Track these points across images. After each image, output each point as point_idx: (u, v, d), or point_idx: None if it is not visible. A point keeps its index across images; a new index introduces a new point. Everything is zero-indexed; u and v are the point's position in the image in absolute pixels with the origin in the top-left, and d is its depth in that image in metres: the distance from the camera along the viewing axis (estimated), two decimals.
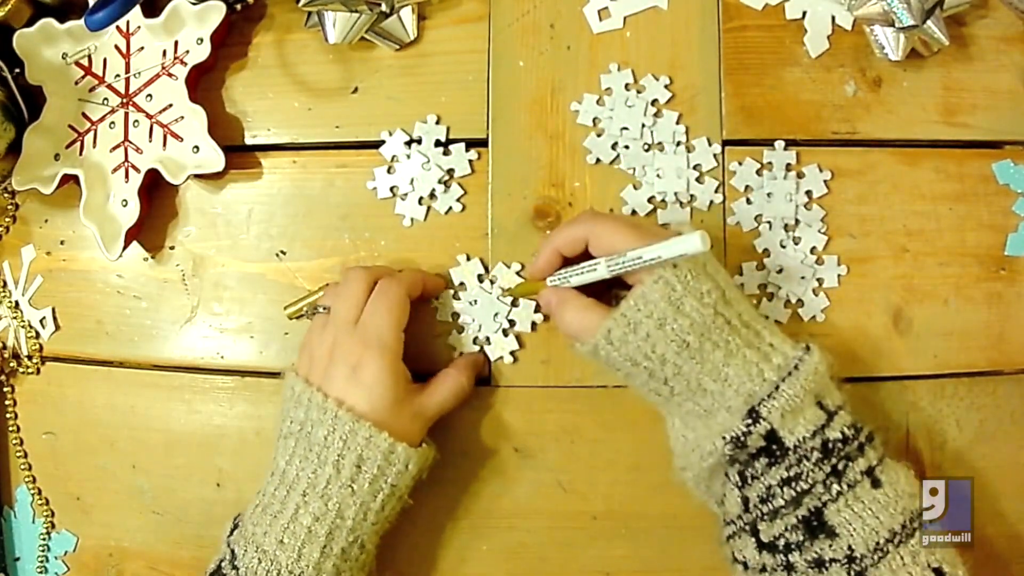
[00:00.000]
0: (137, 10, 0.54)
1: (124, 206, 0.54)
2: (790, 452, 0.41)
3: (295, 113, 0.56)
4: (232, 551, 0.45)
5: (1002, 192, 0.53)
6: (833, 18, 0.54)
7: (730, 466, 0.43)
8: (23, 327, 0.57)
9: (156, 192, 0.56)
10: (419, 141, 0.54)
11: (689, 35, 0.54)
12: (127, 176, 0.54)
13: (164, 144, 0.54)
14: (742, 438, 0.41)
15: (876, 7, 0.50)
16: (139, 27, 0.55)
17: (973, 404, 0.52)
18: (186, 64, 0.54)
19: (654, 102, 0.53)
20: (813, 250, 0.52)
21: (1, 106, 0.54)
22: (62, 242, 0.58)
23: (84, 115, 0.55)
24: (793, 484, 0.41)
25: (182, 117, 0.54)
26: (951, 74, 0.54)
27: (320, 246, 0.55)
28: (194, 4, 0.53)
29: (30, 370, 0.57)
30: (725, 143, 0.53)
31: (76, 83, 0.56)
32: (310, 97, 0.56)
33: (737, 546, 0.44)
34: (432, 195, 0.54)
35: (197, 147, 0.53)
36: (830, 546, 0.40)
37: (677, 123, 0.53)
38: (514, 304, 0.52)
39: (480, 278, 0.53)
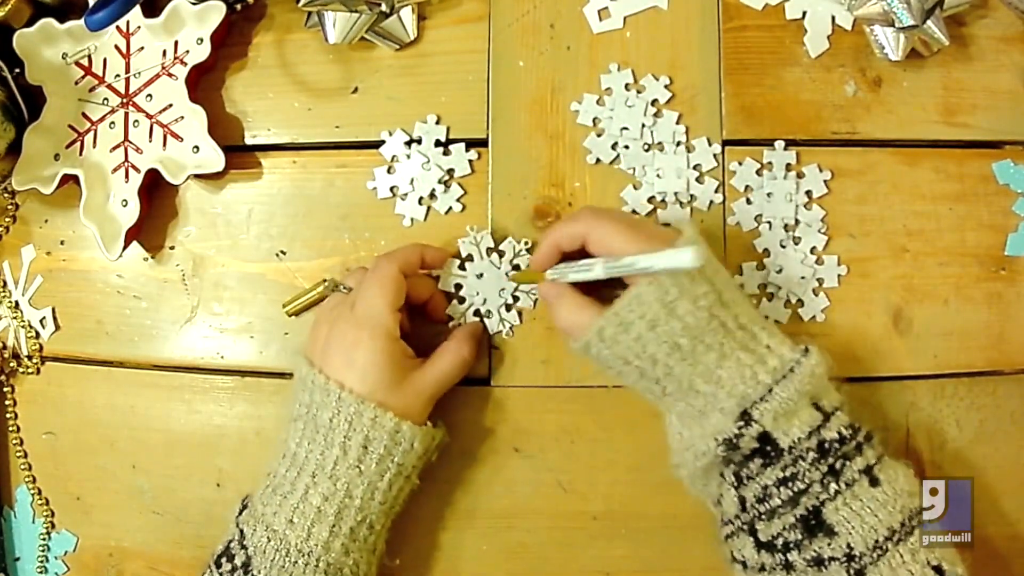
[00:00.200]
0: (137, 10, 0.54)
1: (124, 206, 0.54)
2: (785, 453, 0.41)
3: (295, 113, 0.56)
4: (241, 531, 0.45)
5: (1002, 192, 0.53)
6: (833, 18, 0.54)
7: (725, 466, 0.43)
8: (23, 327, 0.57)
9: (156, 192, 0.56)
10: (419, 141, 0.54)
11: (689, 35, 0.54)
12: (127, 176, 0.54)
13: (164, 144, 0.54)
14: (734, 440, 0.41)
15: (876, 7, 0.50)
16: (139, 27, 0.55)
17: (973, 404, 0.52)
18: (186, 64, 0.54)
19: (654, 102, 0.53)
20: (813, 250, 0.52)
21: (1, 106, 0.54)
22: (62, 242, 0.58)
23: (84, 115, 0.55)
24: (789, 484, 0.41)
25: (182, 117, 0.54)
26: (951, 74, 0.54)
27: (320, 246, 0.55)
28: (194, 4, 0.53)
29: (30, 370, 0.57)
30: (725, 143, 0.53)
31: (76, 83, 0.56)
32: (310, 97, 0.56)
33: (735, 545, 0.44)
34: (432, 195, 0.54)
35: (197, 147, 0.53)
36: (829, 545, 0.40)
37: (677, 123, 0.53)
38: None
39: (488, 251, 0.53)
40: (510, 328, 0.52)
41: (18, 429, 0.58)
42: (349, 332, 0.46)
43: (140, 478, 0.56)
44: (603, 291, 0.47)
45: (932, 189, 0.53)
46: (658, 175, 0.53)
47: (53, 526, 0.57)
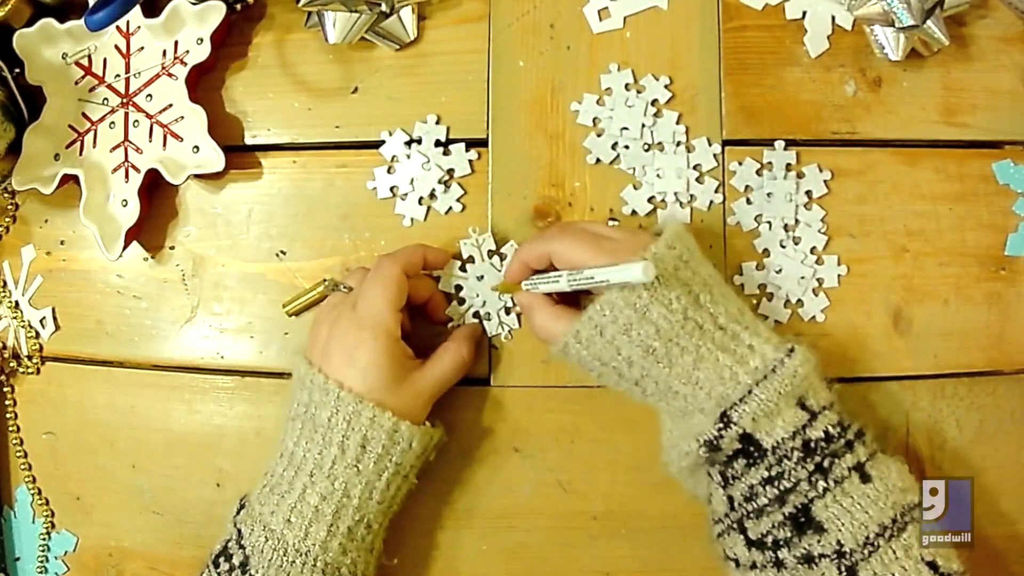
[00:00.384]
0: (137, 10, 0.54)
1: (124, 206, 0.54)
2: (768, 453, 0.41)
3: (295, 113, 0.56)
4: (239, 531, 0.45)
5: (1002, 192, 0.53)
6: (833, 18, 0.54)
7: (710, 466, 0.44)
8: (23, 327, 0.57)
9: (156, 192, 0.56)
10: (419, 141, 0.54)
11: (689, 35, 0.54)
12: (127, 176, 0.54)
13: (164, 144, 0.54)
14: (715, 441, 0.41)
15: (876, 7, 0.50)
16: (139, 27, 0.55)
17: (973, 404, 0.52)
18: (186, 64, 0.54)
19: (654, 102, 0.53)
20: (813, 250, 0.52)
21: (1, 106, 0.54)
22: (62, 242, 0.58)
23: (84, 115, 0.55)
24: (775, 483, 0.41)
25: (182, 117, 0.54)
26: (951, 74, 0.54)
27: (320, 246, 0.55)
28: (194, 4, 0.53)
29: (30, 370, 0.57)
30: (725, 143, 0.53)
31: (76, 83, 0.56)
32: (310, 97, 0.56)
33: (727, 543, 0.44)
34: (432, 195, 0.54)
35: (197, 147, 0.53)
36: (818, 541, 0.40)
37: (677, 123, 0.53)
38: None
39: (490, 254, 0.53)
40: (509, 331, 0.52)
41: (18, 429, 0.58)
42: (351, 331, 0.46)
43: (140, 478, 0.56)
44: (583, 300, 0.47)
45: (932, 189, 0.53)
46: (658, 175, 0.53)
47: (53, 526, 0.57)
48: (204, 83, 0.56)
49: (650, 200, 0.53)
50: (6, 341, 0.58)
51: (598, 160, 0.53)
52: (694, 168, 0.53)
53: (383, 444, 0.44)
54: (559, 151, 0.54)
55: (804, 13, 0.54)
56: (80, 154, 0.55)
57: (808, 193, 0.53)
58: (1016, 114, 0.53)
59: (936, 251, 0.53)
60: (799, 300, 0.52)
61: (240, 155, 0.56)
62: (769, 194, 0.52)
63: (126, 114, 0.55)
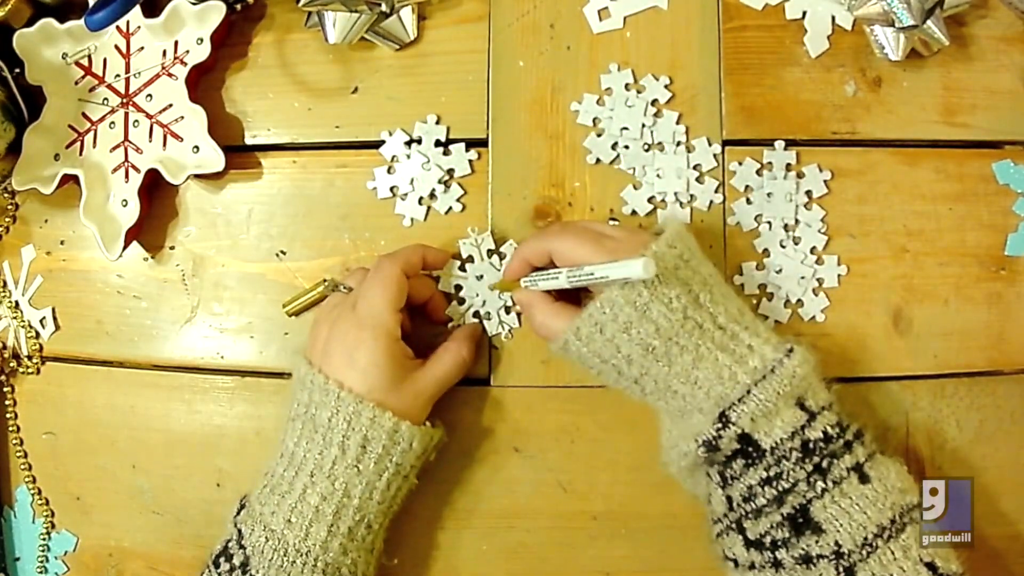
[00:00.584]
0: (137, 10, 0.54)
1: (124, 206, 0.54)
2: (767, 454, 0.41)
3: (295, 113, 0.56)
4: (239, 531, 0.45)
5: (1002, 192, 0.53)
6: (833, 18, 0.54)
7: (709, 466, 0.44)
8: (23, 327, 0.57)
9: (156, 192, 0.56)
10: (419, 141, 0.54)
11: (689, 35, 0.54)
12: (127, 176, 0.54)
13: (164, 144, 0.54)
14: (713, 441, 0.41)
15: (876, 7, 0.50)
16: (139, 27, 0.55)
17: (973, 404, 0.52)
18: (186, 64, 0.54)
19: (654, 102, 0.53)
20: (813, 250, 0.52)
21: (1, 106, 0.54)
22: (62, 242, 0.58)
23: (84, 115, 0.55)
24: (774, 483, 0.41)
25: (182, 117, 0.54)
26: (951, 74, 0.54)
27: (320, 246, 0.55)
28: (194, 4, 0.53)
29: (30, 370, 0.57)
30: (725, 143, 0.53)
31: (76, 83, 0.56)
32: (310, 97, 0.56)
33: (726, 544, 0.44)
34: (432, 195, 0.54)
35: (197, 147, 0.53)
36: (817, 542, 0.40)
37: (677, 123, 0.53)
38: None
39: (489, 253, 0.53)
40: (509, 331, 0.52)
41: (18, 429, 0.58)
42: (351, 332, 0.46)
43: (140, 478, 0.56)
44: (583, 298, 0.47)
45: (932, 189, 0.53)
46: (658, 175, 0.53)
47: (53, 526, 0.57)
48: (204, 83, 0.56)
49: (650, 200, 0.53)
50: (6, 341, 0.58)
51: (598, 160, 0.53)
52: (694, 168, 0.53)
53: (383, 444, 0.44)
54: (559, 151, 0.54)
55: (804, 13, 0.54)
56: (80, 154, 0.55)
57: (808, 193, 0.53)
58: (1016, 114, 0.53)
59: (936, 251, 0.53)
60: (799, 300, 0.52)
61: (240, 155, 0.56)
62: (769, 194, 0.52)
63: (126, 114, 0.55)
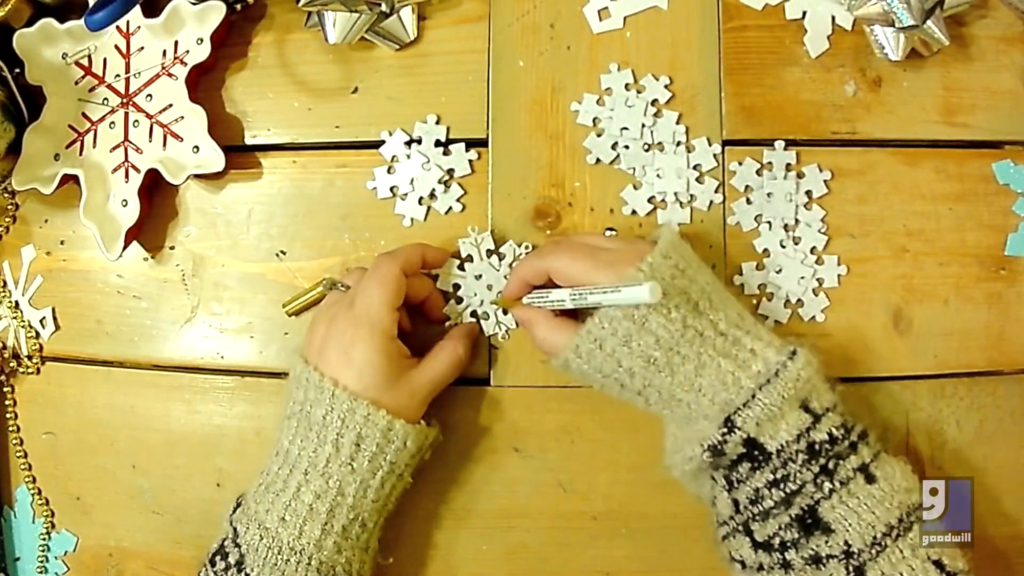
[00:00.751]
0: (137, 10, 0.54)
1: (124, 206, 0.54)
2: (773, 456, 0.41)
3: (295, 113, 0.56)
4: (235, 529, 0.45)
5: (1002, 192, 0.53)
6: (833, 18, 0.54)
7: (714, 470, 0.44)
8: (23, 327, 0.57)
9: (156, 192, 0.56)
10: (419, 141, 0.54)
11: (689, 35, 0.54)
12: (127, 176, 0.54)
13: (164, 144, 0.54)
14: (719, 446, 0.41)
15: (876, 7, 0.50)
16: (139, 27, 0.55)
17: (973, 404, 0.52)
18: (186, 64, 0.54)
19: (654, 102, 0.53)
20: (813, 250, 0.52)
21: (1, 106, 0.54)
22: (62, 242, 0.58)
23: (84, 115, 0.55)
24: (781, 486, 0.41)
25: (182, 117, 0.54)
26: (951, 74, 0.54)
27: (320, 246, 0.55)
28: (194, 4, 0.53)
29: (30, 370, 0.57)
30: (725, 143, 0.53)
31: (76, 83, 0.56)
32: (310, 97, 0.56)
33: (733, 545, 0.44)
34: (432, 195, 0.54)
35: (197, 147, 0.53)
36: (826, 542, 0.40)
37: (677, 123, 0.53)
38: None
39: (488, 253, 0.53)
40: (506, 331, 0.52)
41: (18, 429, 0.58)
42: (347, 330, 0.46)
43: (140, 478, 0.56)
44: (582, 312, 0.47)
45: (932, 189, 0.53)
46: (658, 175, 0.53)
47: (53, 526, 0.57)
48: (204, 83, 0.56)
49: (650, 200, 0.53)
50: (6, 341, 0.58)
51: (598, 160, 0.53)
52: (694, 168, 0.53)
53: (377, 442, 0.44)
54: (559, 151, 0.54)
55: (804, 13, 0.54)
56: (80, 154, 0.55)
57: (808, 193, 0.53)
58: (1016, 114, 0.53)
59: (936, 251, 0.53)
60: (799, 300, 0.52)
61: (240, 155, 0.56)
62: (769, 194, 0.52)
63: (126, 114, 0.55)
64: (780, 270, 0.52)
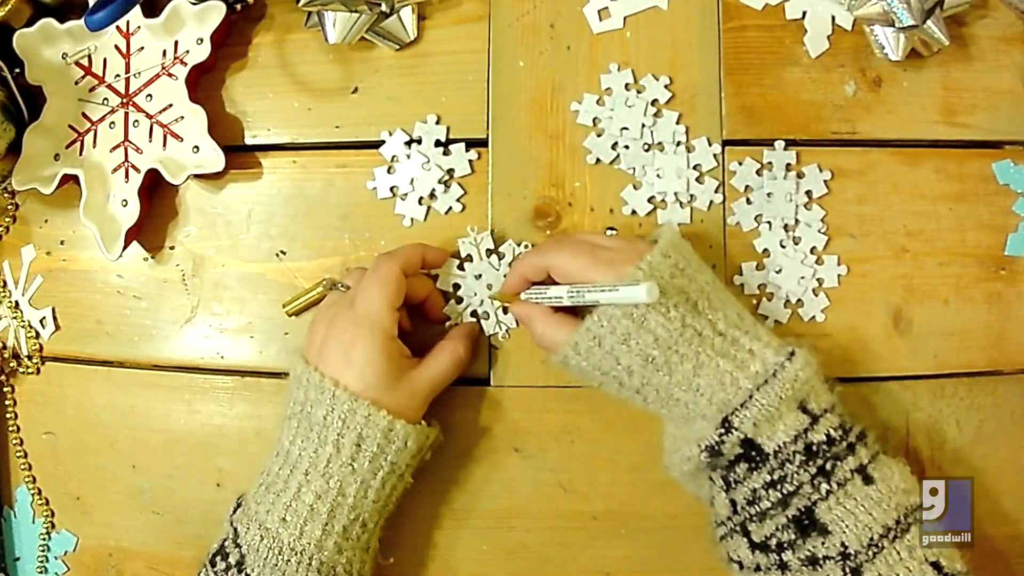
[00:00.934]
0: (137, 10, 0.54)
1: (124, 206, 0.54)
2: (770, 457, 0.41)
3: (295, 113, 0.56)
4: (235, 529, 0.45)
5: (1002, 192, 0.53)
6: (833, 18, 0.54)
7: (712, 471, 0.44)
8: (23, 327, 0.57)
9: (156, 192, 0.56)
10: (419, 141, 0.54)
11: (689, 35, 0.54)
12: (127, 176, 0.54)
13: (164, 144, 0.54)
14: (716, 447, 0.41)
15: (876, 7, 0.50)
16: (139, 27, 0.55)
17: (973, 404, 0.52)
18: (186, 64, 0.54)
19: (654, 102, 0.53)
20: (813, 250, 0.52)
21: (1, 106, 0.54)
22: (62, 242, 0.58)
23: (84, 115, 0.55)
24: (778, 486, 0.41)
25: (182, 117, 0.54)
26: (951, 74, 0.54)
27: (320, 246, 0.55)
28: (194, 4, 0.53)
29: (30, 370, 0.57)
30: (725, 143, 0.53)
31: (76, 83, 0.56)
32: (310, 97, 0.56)
33: (730, 546, 0.44)
34: (432, 195, 0.54)
35: (197, 147, 0.53)
36: (823, 543, 0.40)
37: (677, 123, 0.53)
38: None
39: (488, 252, 0.53)
40: (506, 330, 0.52)
41: (18, 429, 0.58)
42: (348, 330, 0.46)
43: (140, 478, 0.56)
44: (581, 308, 0.47)
45: (932, 189, 0.53)
46: (658, 175, 0.53)
47: (53, 526, 0.57)
48: (204, 83, 0.56)
49: (650, 200, 0.53)
50: (6, 341, 0.58)
51: (598, 160, 0.53)
52: (694, 168, 0.53)
53: (378, 443, 0.44)
54: (559, 151, 0.54)
55: (804, 13, 0.54)
56: (80, 154, 0.55)
57: (808, 193, 0.53)
58: (1016, 114, 0.53)
59: (936, 251, 0.53)
60: (799, 300, 0.52)
61: (240, 155, 0.56)
62: (769, 194, 0.52)
63: (126, 114, 0.55)
64: (780, 270, 0.52)
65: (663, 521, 0.51)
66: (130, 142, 0.54)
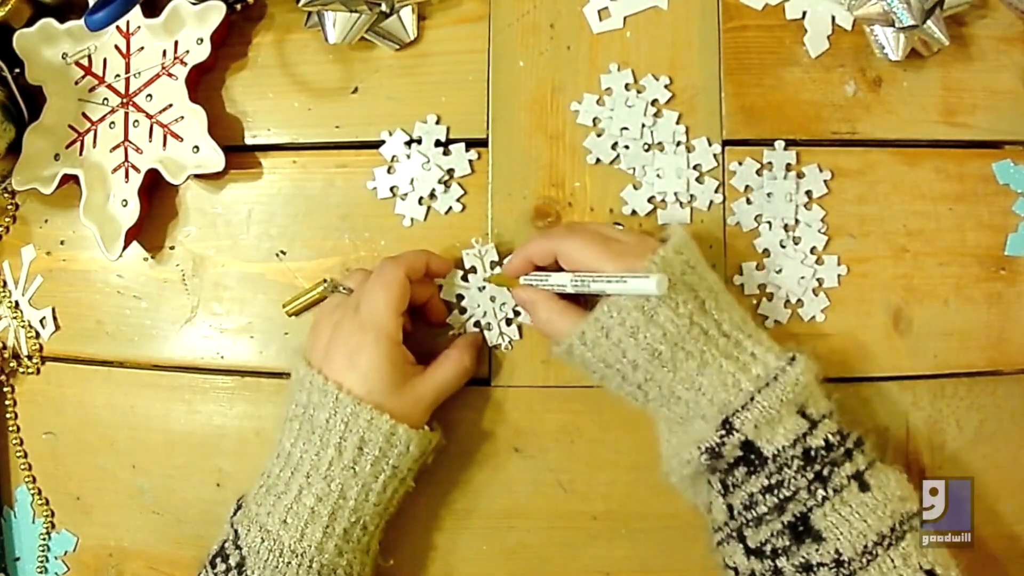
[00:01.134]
0: (137, 10, 0.54)
1: (124, 206, 0.54)
2: (769, 461, 0.41)
3: (295, 113, 0.56)
4: (235, 531, 0.45)
5: (1002, 192, 0.53)
6: (833, 18, 0.54)
7: (711, 474, 0.44)
8: (23, 327, 0.57)
9: (156, 192, 0.56)
10: (419, 141, 0.54)
11: (689, 35, 0.54)
12: (127, 176, 0.54)
13: (164, 144, 0.54)
14: (716, 448, 0.41)
15: (876, 7, 0.50)
16: (139, 27, 0.55)
17: (973, 404, 0.52)
18: (186, 64, 0.54)
19: (654, 102, 0.53)
20: (813, 250, 0.52)
21: (1, 106, 0.54)
22: (62, 242, 0.58)
23: (84, 115, 0.55)
24: (775, 491, 0.41)
25: (182, 117, 0.54)
26: (951, 74, 0.54)
27: (320, 246, 0.55)
28: (194, 4, 0.53)
29: (30, 370, 0.57)
30: (725, 143, 0.53)
31: (76, 83, 0.56)
32: (310, 97, 0.56)
33: (727, 552, 0.44)
34: (432, 195, 0.54)
35: (197, 147, 0.53)
36: (817, 550, 0.40)
37: (677, 123, 0.53)
38: None
39: (492, 264, 0.53)
40: (509, 342, 0.52)
41: (18, 429, 0.58)
42: (353, 335, 0.46)
43: (140, 478, 0.56)
44: (588, 299, 0.47)
45: (932, 189, 0.53)
46: (658, 175, 0.53)
47: (53, 526, 0.57)
48: (204, 83, 0.56)
49: (650, 200, 0.53)
50: (6, 341, 0.58)
51: (598, 160, 0.53)
52: (694, 168, 0.53)
53: (380, 446, 0.44)
54: (559, 151, 0.54)
55: (804, 13, 0.54)
56: (80, 154, 0.55)
57: (808, 193, 0.53)
58: (1016, 114, 0.53)
59: (936, 251, 0.53)
60: (799, 300, 0.52)
61: (240, 155, 0.56)
62: (769, 194, 0.52)
63: (126, 114, 0.55)
64: (780, 270, 0.52)
65: (663, 521, 0.51)
66: (130, 142, 0.54)
